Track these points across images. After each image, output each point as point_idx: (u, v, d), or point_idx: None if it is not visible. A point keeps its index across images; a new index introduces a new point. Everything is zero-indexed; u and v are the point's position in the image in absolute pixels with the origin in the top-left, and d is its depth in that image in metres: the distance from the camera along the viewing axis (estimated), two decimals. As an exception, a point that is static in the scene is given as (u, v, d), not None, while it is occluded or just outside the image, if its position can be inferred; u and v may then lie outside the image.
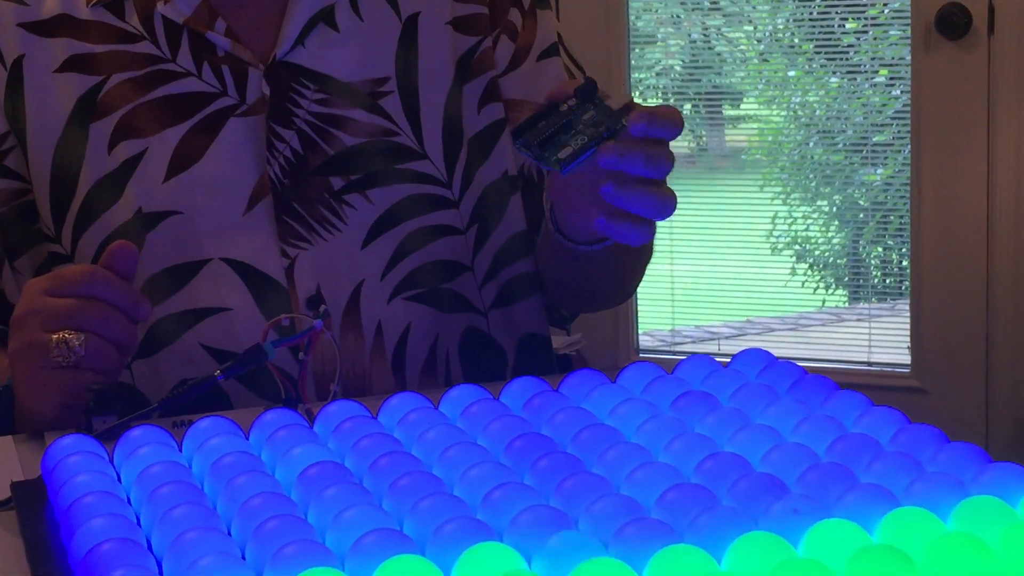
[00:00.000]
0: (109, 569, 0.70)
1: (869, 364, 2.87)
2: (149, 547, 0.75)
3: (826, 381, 0.93)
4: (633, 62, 3.20)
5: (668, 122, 0.96)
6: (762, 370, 0.96)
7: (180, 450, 0.88)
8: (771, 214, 3.20)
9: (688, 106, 3.42)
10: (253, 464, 0.83)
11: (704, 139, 3.46)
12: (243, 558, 0.73)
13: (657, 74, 3.39)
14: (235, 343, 1.12)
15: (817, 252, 3.23)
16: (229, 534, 0.76)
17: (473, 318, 1.22)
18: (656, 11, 3.28)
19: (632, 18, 3.15)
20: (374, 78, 1.18)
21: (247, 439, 0.89)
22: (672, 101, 3.41)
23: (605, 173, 0.96)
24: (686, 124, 3.51)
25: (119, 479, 0.85)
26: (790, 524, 0.73)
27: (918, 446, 0.82)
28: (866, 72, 2.99)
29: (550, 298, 1.28)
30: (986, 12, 2.64)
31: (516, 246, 1.22)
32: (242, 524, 0.76)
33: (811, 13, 3.02)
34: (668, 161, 0.97)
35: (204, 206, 1.14)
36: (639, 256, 1.23)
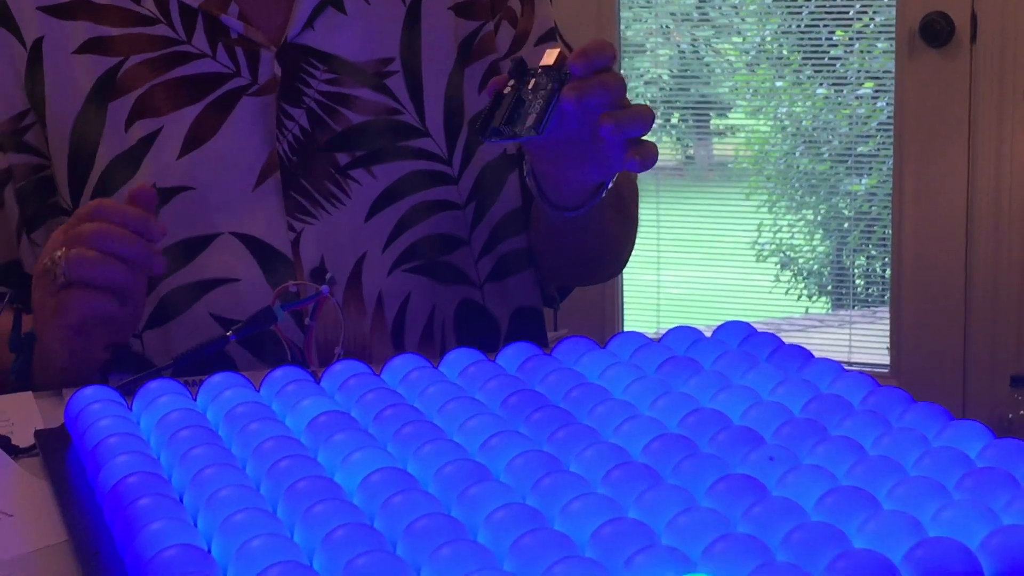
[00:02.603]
0: (135, 498, 0.75)
1: (850, 364, 2.94)
2: (171, 483, 0.81)
3: (802, 350, 0.99)
4: (622, 71, 3.26)
5: (601, 52, 1.02)
6: (743, 340, 1.02)
7: (195, 401, 0.94)
8: (756, 223, 3.26)
9: (676, 116, 3.48)
10: (265, 413, 0.89)
11: (692, 149, 3.52)
12: (258, 491, 0.78)
13: (646, 83, 3.45)
14: (243, 313, 1.17)
15: (801, 260, 3.29)
16: (245, 472, 0.81)
17: (469, 290, 1.28)
18: (646, 21, 3.34)
19: (622, 28, 3.20)
20: (379, 58, 1.24)
21: (258, 392, 0.95)
22: (660, 111, 3.46)
23: (580, 119, 1.02)
24: (674, 134, 3.59)
25: (138, 426, 0.91)
26: (766, 470, 0.78)
27: (887, 406, 0.88)
28: (852, 83, 3.05)
29: (545, 272, 1.34)
30: (969, 21, 2.70)
31: (512, 222, 1.28)
32: (256, 464, 0.81)
33: (799, 25, 3.08)
34: (619, 81, 1.03)
35: (215, 182, 1.19)
36: (626, 218, 1.28)
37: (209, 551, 0.72)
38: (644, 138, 1.04)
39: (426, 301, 1.25)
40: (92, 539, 0.78)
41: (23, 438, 0.96)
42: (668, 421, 0.86)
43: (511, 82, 1.01)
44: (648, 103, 3.44)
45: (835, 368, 0.95)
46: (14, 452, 0.95)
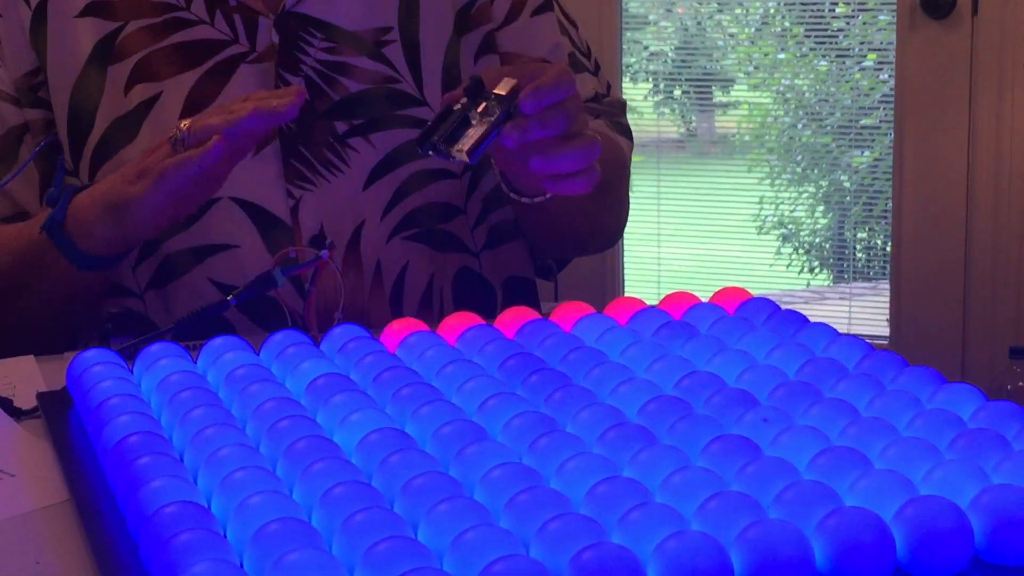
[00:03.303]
0: (136, 457, 0.76)
1: (849, 336, 2.94)
2: (171, 442, 0.82)
3: (798, 315, 0.99)
4: (625, 46, 3.26)
5: (555, 87, 1.02)
6: (740, 306, 1.03)
7: (195, 364, 0.95)
8: (758, 196, 3.26)
9: (679, 89, 3.48)
10: (265, 375, 0.90)
11: (694, 123, 3.52)
12: (258, 451, 0.79)
13: (648, 58, 3.45)
14: (242, 278, 1.18)
15: (803, 234, 3.29)
16: (245, 432, 0.82)
17: (466, 258, 1.29)
18: (649, -6, 3.34)
19: (625, 1, 3.20)
20: (377, 27, 1.25)
21: (258, 355, 0.96)
22: (663, 86, 3.46)
23: (525, 153, 1.02)
24: (676, 109, 3.59)
25: (140, 388, 0.92)
26: (760, 431, 0.79)
27: (881, 369, 0.89)
28: (855, 56, 3.05)
29: (534, 247, 1.35)
30: (970, -7, 2.71)
31: (502, 192, 1.29)
32: (256, 425, 0.82)
33: (802, -2, 3.08)
34: (564, 116, 1.02)
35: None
36: (607, 194, 1.28)
37: (209, 508, 0.73)
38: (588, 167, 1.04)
39: (424, 269, 1.26)
40: (94, 498, 0.78)
41: (25, 400, 0.97)
42: (664, 384, 0.87)
43: (464, 100, 1.02)
44: (650, 76, 3.44)
45: (830, 332, 0.96)
46: (16, 414, 0.95)
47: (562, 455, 0.75)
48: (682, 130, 3.48)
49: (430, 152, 1.01)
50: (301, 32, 1.23)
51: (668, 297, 1.05)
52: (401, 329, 0.99)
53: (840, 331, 0.97)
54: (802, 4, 3.09)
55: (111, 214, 1.09)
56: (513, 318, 1.01)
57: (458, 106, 1.02)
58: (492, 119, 1.01)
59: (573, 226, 1.29)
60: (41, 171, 1.23)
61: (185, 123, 1.07)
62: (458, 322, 1.00)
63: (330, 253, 1.05)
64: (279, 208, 1.21)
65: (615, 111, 1.37)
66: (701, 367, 0.90)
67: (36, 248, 1.13)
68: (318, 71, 1.22)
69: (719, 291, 1.05)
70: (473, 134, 1.00)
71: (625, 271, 3.21)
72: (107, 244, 1.11)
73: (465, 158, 1.00)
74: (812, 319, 0.99)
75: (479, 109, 1.01)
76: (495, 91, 1.01)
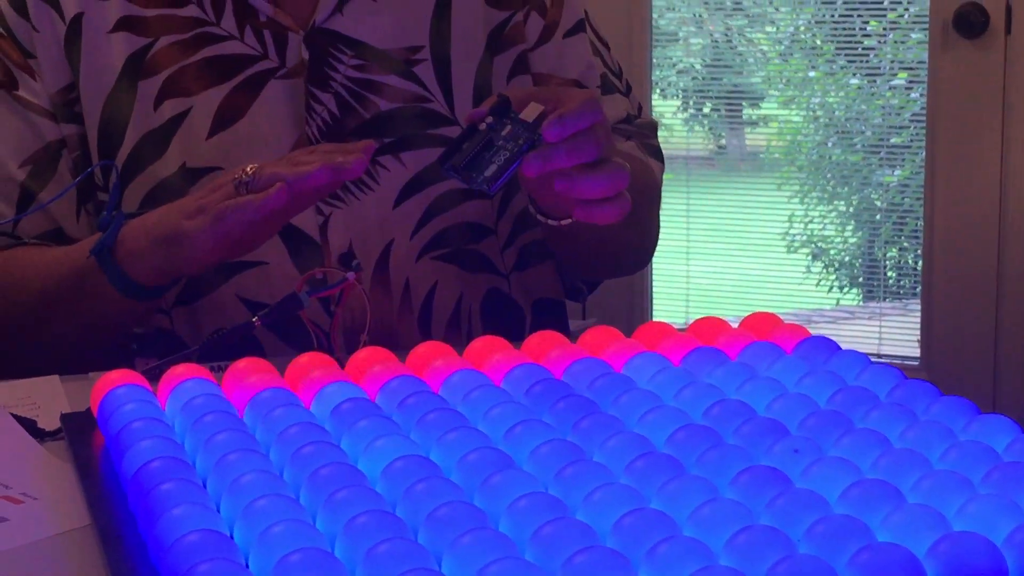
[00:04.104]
0: (158, 483, 0.76)
1: (879, 356, 2.92)
2: (194, 468, 0.81)
3: (829, 342, 0.98)
4: (655, 61, 3.25)
5: (580, 115, 1.00)
6: (769, 331, 1.01)
7: (220, 386, 0.94)
8: (788, 213, 3.25)
9: (708, 106, 3.47)
10: (289, 399, 0.89)
11: (723, 139, 3.50)
12: (281, 477, 0.78)
13: (679, 73, 3.44)
14: (270, 295, 1.18)
15: (832, 252, 3.27)
16: (268, 457, 0.81)
17: (496, 279, 1.28)
18: (679, 10, 3.33)
19: (655, 16, 3.19)
20: (409, 46, 1.24)
21: (283, 378, 0.95)
22: (692, 101, 3.45)
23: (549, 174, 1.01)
24: (706, 124, 3.57)
25: (163, 411, 0.91)
26: (790, 462, 0.78)
27: (913, 399, 0.88)
28: (885, 74, 3.03)
29: (564, 269, 1.34)
30: (1004, 12, 2.68)
31: (530, 214, 1.28)
32: (280, 450, 0.81)
33: (833, 14, 3.07)
34: (589, 143, 1.01)
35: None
36: (635, 221, 1.28)
37: (231, 536, 0.72)
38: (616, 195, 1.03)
39: (453, 289, 1.25)
40: (115, 523, 0.78)
41: (49, 421, 0.97)
42: (692, 412, 0.86)
43: (489, 118, 1.01)
44: (680, 93, 3.43)
45: (862, 360, 0.95)
46: (40, 435, 0.95)
47: (589, 485, 0.74)
48: (712, 146, 3.47)
49: (451, 173, 1.00)
50: (331, 49, 1.22)
51: (696, 322, 1.04)
52: (427, 352, 0.98)
53: (870, 351, 0.96)
54: (833, 21, 3.07)
55: (163, 245, 1.09)
56: (540, 342, 1.00)
57: (483, 125, 1.01)
58: (515, 147, 1.00)
59: (602, 250, 1.28)
60: (78, 188, 1.23)
61: (252, 167, 1.06)
62: (485, 346, 0.99)
63: (357, 274, 1.04)
64: (308, 225, 1.21)
65: (647, 132, 1.36)
66: (731, 395, 0.89)
67: (82, 271, 1.13)
68: (348, 88, 1.22)
69: (748, 317, 1.04)
70: (495, 161, 0.99)
71: (654, 288, 3.19)
72: (154, 274, 1.11)
73: (485, 187, 0.99)
74: (842, 339, 0.98)
75: (504, 132, 1.00)
76: (521, 117, 1.00)
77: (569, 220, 1.13)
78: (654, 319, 3.21)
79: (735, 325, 1.04)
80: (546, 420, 0.85)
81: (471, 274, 1.26)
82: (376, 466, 0.78)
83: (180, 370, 0.94)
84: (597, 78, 1.32)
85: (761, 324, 1.03)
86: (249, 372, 0.94)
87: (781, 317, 1.03)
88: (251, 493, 0.74)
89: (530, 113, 1.01)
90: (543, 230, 1.24)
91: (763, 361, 0.95)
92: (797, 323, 1.02)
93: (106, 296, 1.12)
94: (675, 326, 1.02)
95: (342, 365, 0.98)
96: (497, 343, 0.99)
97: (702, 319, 1.04)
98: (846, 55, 3.10)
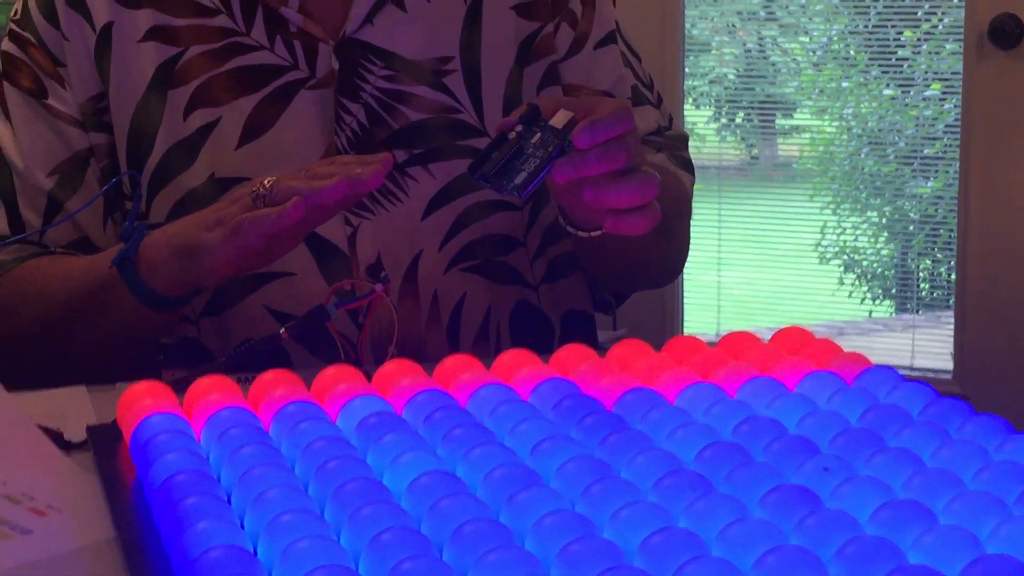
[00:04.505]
0: (183, 497, 0.75)
1: (912, 369, 2.90)
2: (219, 481, 0.81)
3: (860, 358, 0.97)
4: (687, 69, 3.24)
5: (611, 122, 1.00)
6: (800, 347, 1.00)
7: (245, 399, 0.94)
8: (820, 224, 3.23)
9: (741, 115, 3.46)
10: (315, 412, 0.89)
11: (756, 149, 3.49)
12: (306, 492, 0.78)
13: (711, 82, 3.43)
14: (298, 307, 1.17)
15: (865, 263, 3.25)
16: (293, 472, 0.81)
17: (525, 291, 1.27)
18: (712, 19, 3.32)
19: (688, 26, 3.19)
20: (439, 57, 1.24)
21: (309, 391, 0.94)
22: (725, 110, 3.44)
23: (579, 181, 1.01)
24: (738, 133, 3.56)
25: (189, 424, 0.91)
26: (820, 480, 0.77)
27: (946, 417, 0.87)
28: (919, 85, 3.02)
29: (592, 281, 1.33)
30: (1039, 23, 2.67)
31: (560, 226, 1.27)
32: (305, 465, 0.81)
33: (867, 24, 3.05)
34: (621, 151, 1.00)
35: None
36: (665, 232, 1.27)
37: (255, 552, 0.71)
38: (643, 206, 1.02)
39: (482, 301, 1.25)
40: (139, 537, 0.77)
41: (76, 432, 0.96)
42: (722, 428, 0.85)
43: (519, 127, 1.01)
44: (713, 102, 3.42)
45: (893, 376, 0.93)
46: (66, 447, 0.95)
47: (616, 503, 0.73)
48: (744, 156, 3.45)
49: (481, 181, 0.99)
50: (361, 59, 1.22)
51: (726, 337, 1.03)
52: (454, 366, 0.97)
53: (903, 363, 0.95)
54: (867, 31, 3.06)
55: (182, 257, 1.09)
56: (569, 356, 0.99)
57: (512, 134, 1.00)
58: (545, 153, 0.99)
59: (631, 262, 1.27)
60: (105, 197, 1.23)
61: (269, 180, 1.05)
62: (512, 359, 0.99)
63: (385, 286, 1.03)
64: (336, 236, 1.20)
65: (677, 145, 1.35)
66: (760, 411, 0.88)
67: (104, 281, 1.13)
68: (377, 99, 1.22)
69: (778, 332, 1.03)
70: (525, 168, 0.98)
71: (685, 298, 3.18)
72: (174, 285, 1.11)
73: (516, 194, 0.99)
74: (874, 351, 0.97)
75: (533, 140, 1.00)
76: (551, 124, 1.00)
77: (599, 232, 1.12)
78: (685, 330, 3.20)
79: (766, 339, 1.03)
80: (573, 436, 0.85)
81: (500, 286, 1.26)
82: (401, 482, 0.78)
83: (206, 382, 0.94)
84: (628, 89, 1.32)
85: (792, 339, 1.02)
86: (275, 384, 0.93)
87: (813, 329, 1.01)
88: (275, 508, 0.73)
89: (559, 120, 1.00)
90: (573, 242, 1.24)
91: (793, 377, 0.94)
92: (829, 335, 1.01)
93: (127, 306, 1.12)
94: (706, 338, 1.01)
95: (369, 378, 0.97)
96: (525, 356, 0.99)
97: (732, 334, 1.03)
98: (880, 65, 3.08)
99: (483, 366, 0.98)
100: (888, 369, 0.95)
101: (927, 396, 0.90)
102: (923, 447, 0.82)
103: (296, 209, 1.02)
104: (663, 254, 1.31)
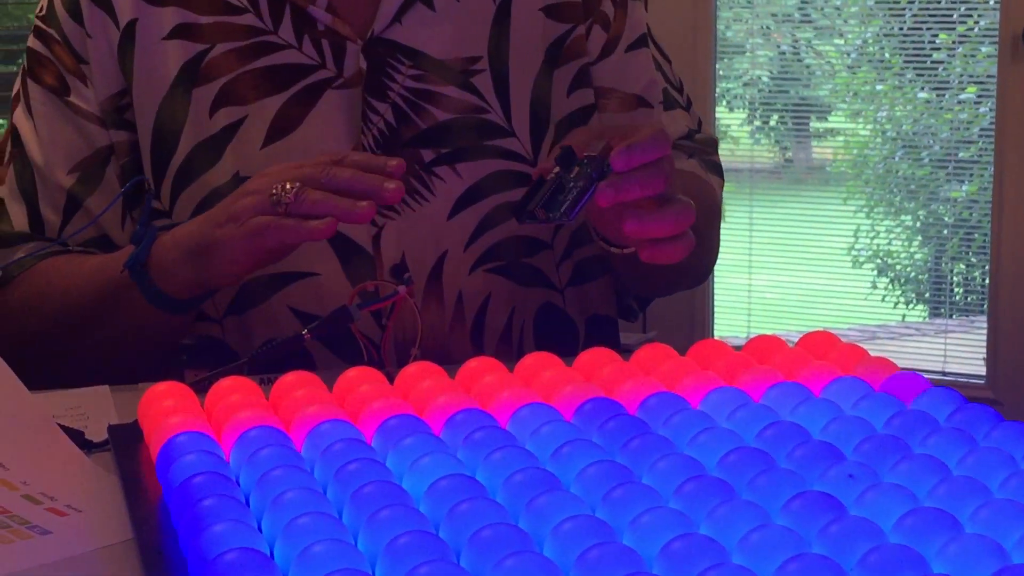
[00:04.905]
0: (201, 498, 0.75)
1: (944, 375, 2.88)
2: (238, 483, 0.80)
3: (887, 363, 0.96)
4: (721, 72, 3.23)
5: (648, 144, 1.01)
6: (827, 351, 0.99)
7: (267, 399, 0.93)
8: (853, 227, 3.21)
9: (775, 118, 3.44)
10: (335, 415, 0.88)
11: (790, 152, 3.47)
12: (325, 495, 0.77)
13: (744, 84, 3.41)
14: (321, 307, 1.17)
15: (899, 267, 3.23)
16: (312, 475, 0.80)
17: (550, 293, 1.27)
18: (746, 22, 3.31)
19: (721, 28, 3.18)
20: (467, 56, 1.23)
21: (330, 392, 0.94)
22: (759, 112, 3.43)
23: (618, 210, 1.02)
24: (772, 136, 3.54)
25: (209, 425, 0.90)
26: (844, 487, 0.76)
27: (974, 423, 0.85)
28: (954, 88, 3.00)
29: (619, 286, 1.33)
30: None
31: (587, 229, 1.27)
32: (324, 467, 0.80)
33: (902, 27, 3.03)
34: (659, 176, 1.02)
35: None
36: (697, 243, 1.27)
37: (272, 555, 0.71)
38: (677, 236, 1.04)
39: (506, 302, 1.24)
40: (157, 539, 0.77)
41: (97, 432, 0.96)
42: (746, 433, 0.84)
43: (556, 169, 1.03)
44: (746, 104, 3.40)
45: (921, 382, 0.92)
46: (87, 447, 0.95)
47: (636, 508, 0.73)
48: (777, 159, 3.44)
49: (528, 220, 1.02)
50: (389, 59, 1.22)
51: (752, 341, 1.02)
52: (477, 368, 0.97)
53: (935, 368, 0.93)
54: (902, 34, 3.04)
55: (193, 256, 1.09)
56: (593, 359, 0.98)
57: (552, 175, 1.02)
58: (586, 179, 1.01)
59: (662, 271, 1.26)
60: (126, 195, 1.23)
61: (292, 185, 1.04)
62: (536, 362, 0.98)
63: (408, 288, 1.03)
64: (361, 236, 1.20)
65: (708, 149, 1.34)
66: (785, 417, 0.87)
67: (117, 284, 1.13)
68: (405, 98, 1.21)
69: (804, 336, 1.02)
70: (570, 195, 1.01)
71: (715, 301, 3.17)
72: (186, 287, 1.11)
73: (565, 218, 1.01)
74: (906, 355, 0.96)
75: (572, 175, 1.01)
76: (586, 153, 1.01)
77: (631, 250, 1.12)
78: (715, 333, 3.18)
79: (792, 343, 1.02)
80: (595, 440, 0.84)
81: (525, 288, 1.25)
82: (420, 485, 0.77)
83: (228, 383, 0.93)
84: (659, 93, 1.31)
85: (818, 344, 1.01)
86: (296, 386, 0.93)
87: (845, 333, 1.00)
88: (293, 510, 0.73)
89: (595, 147, 1.01)
90: (604, 255, 1.23)
91: (818, 382, 0.93)
92: (861, 339, 1.00)
93: (141, 308, 1.12)
94: (735, 341, 1.00)
95: (391, 379, 0.97)
96: (548, 359, 0.98)
97: (757, 338, 1.02)
98: (914, 68, 3.07)
99: (506, 369, 0.97)
100: (915, 375, 0.94)
101: (954, 402, 0.89)
102: (950, 454, 0.81)
103: (329, 228, 1.02)
104: (693, 261, 1.30)
